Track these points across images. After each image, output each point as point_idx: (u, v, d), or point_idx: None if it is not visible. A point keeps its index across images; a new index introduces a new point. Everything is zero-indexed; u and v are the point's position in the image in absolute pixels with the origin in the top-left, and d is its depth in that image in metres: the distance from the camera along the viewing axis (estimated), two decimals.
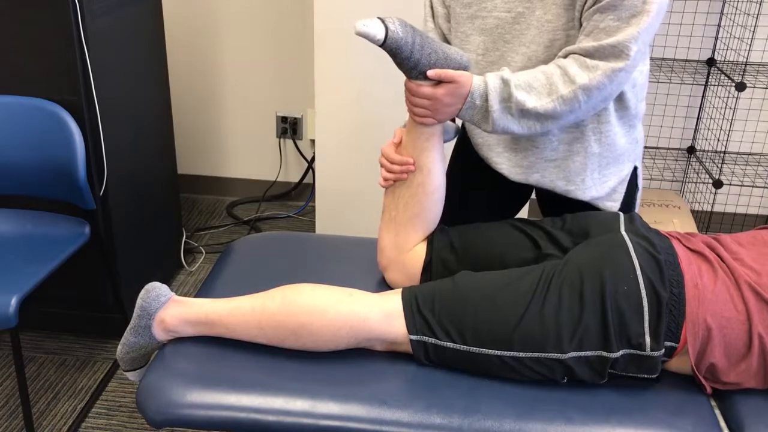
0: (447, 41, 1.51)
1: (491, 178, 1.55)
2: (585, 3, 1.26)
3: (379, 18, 1.24)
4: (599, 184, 1.44)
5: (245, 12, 2.92)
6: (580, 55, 1.26)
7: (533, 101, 1.26)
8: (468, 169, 1.61)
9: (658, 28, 2.70)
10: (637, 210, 1.51)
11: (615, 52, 1.24)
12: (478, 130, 1.50)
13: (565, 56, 1.28)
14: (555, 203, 1.53)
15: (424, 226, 1.42)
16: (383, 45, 1.24)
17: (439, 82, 1.27)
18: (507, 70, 1.29)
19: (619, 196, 1.47)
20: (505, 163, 1.48)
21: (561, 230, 1.36)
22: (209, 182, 3.25)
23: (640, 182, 1.51)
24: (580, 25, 1.29)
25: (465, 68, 1.31)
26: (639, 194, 1.52)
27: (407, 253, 1.43)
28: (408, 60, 1.26)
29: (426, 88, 1.28)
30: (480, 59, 1.42)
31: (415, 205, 1.40)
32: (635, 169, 1.48)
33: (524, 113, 1.28)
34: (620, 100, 1.38)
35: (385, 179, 1.42)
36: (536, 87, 1.27)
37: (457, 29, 1.44)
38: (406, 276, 1.44)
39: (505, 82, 1.27)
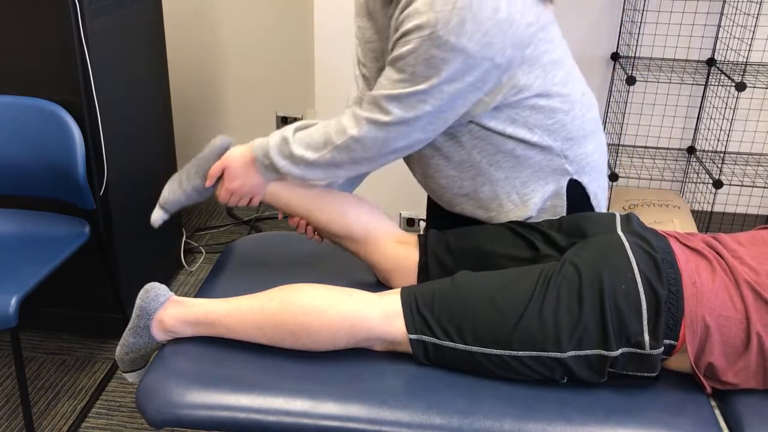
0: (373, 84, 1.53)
1: None
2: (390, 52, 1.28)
3: (159, 203, 1.46)
4: (521, 205, 1.40)
5: (245, 12, 2.92)
6: (357, 105, 1.31)
7: (311, 155, 1.34)
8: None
9: (655, 29, 2.70)
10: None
11: (378, 105, 1.27)
12: (411, 164, 1.52)
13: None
14: None
15: (363, 220, 1.45)
16: (171, 214, 1.48)
17: (220, 177, 1.43)
18: (295, 126, 1.38)
19: (561, 209, 1.40)
20: (432, 194, 1.52)
21: (558, 232, 1.36)
22: None
23: (594, 192, 1.43)
24: None
25: (226, 149, 1.45)
26: (599, 203, 1.44)
27: (402, 260, 1.43)
28: (194, 197, 1.48)
29: (220, 191, 1.44)
30: None
31: (333, 228, 1.45)
32: (575, 182, 1.39)
33: (309, 165, 1.35)
34: (503, 136, 1.34)
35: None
36: (313, 142, 1.34)
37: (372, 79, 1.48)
38: (407, 281, 1.44)
39: (285, 140, 1.36)
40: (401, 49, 1.22)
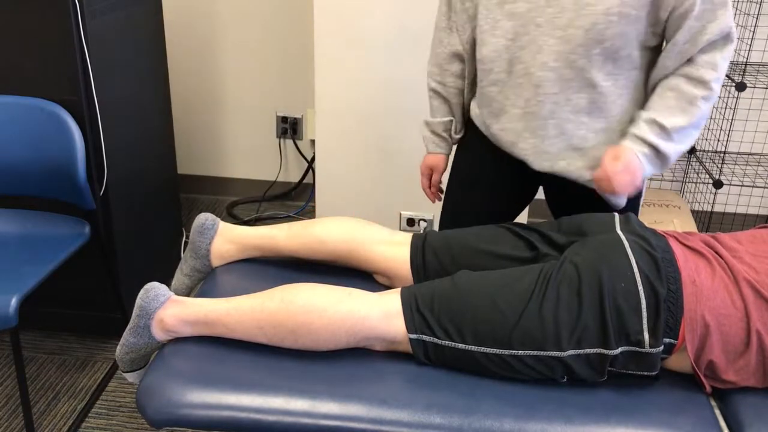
0: (463, 40, 1.54)
1: (501, 172, 1.57)
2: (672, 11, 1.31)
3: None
4: None
5: (245, 12, 2.92)
6: (685, 65, 1.35)
7: (682, 120, 1.35)
8: (476, 162, 1.62)
9: None
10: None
11: (724, 38, 1.33)
12: (504, 116, 1.49)
13: (657, 86, 1.38)
14: (565, 201, 1.53)
15: (344, 238, 1.48)
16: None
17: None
18: (644, 113, 1.37)
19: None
20: (530, 150, 1.47)
21: (557, 233, 1.36)
22: (209, 182, 3.25)
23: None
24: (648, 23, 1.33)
25: (204, 223, 1.54)
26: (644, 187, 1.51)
27: (393, 261, 1.44)
28: (196, 276, 1.57)
29: (605, 169, 1.36)
30: (510, 44, 1.42)
31: (328, 256, 1.50)
32: None
33: (681, 132, 1.36)
34: (645, 93, 1.42)
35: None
36: (676, 108, 1.35)
37: (487, 16, 1.44)
38: (405, 282, 1.44)
39: (652, 120, 1.36)
40: None
